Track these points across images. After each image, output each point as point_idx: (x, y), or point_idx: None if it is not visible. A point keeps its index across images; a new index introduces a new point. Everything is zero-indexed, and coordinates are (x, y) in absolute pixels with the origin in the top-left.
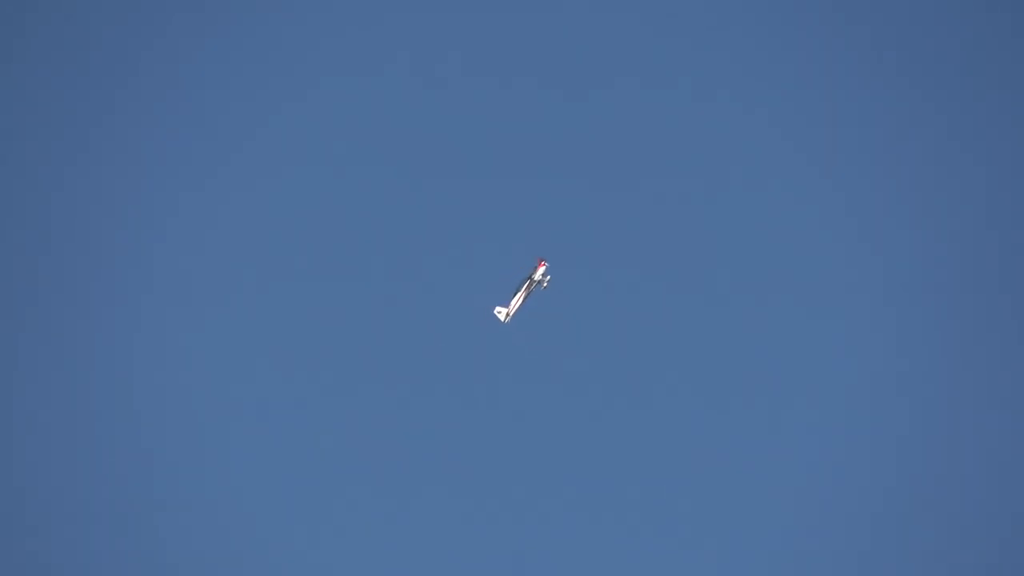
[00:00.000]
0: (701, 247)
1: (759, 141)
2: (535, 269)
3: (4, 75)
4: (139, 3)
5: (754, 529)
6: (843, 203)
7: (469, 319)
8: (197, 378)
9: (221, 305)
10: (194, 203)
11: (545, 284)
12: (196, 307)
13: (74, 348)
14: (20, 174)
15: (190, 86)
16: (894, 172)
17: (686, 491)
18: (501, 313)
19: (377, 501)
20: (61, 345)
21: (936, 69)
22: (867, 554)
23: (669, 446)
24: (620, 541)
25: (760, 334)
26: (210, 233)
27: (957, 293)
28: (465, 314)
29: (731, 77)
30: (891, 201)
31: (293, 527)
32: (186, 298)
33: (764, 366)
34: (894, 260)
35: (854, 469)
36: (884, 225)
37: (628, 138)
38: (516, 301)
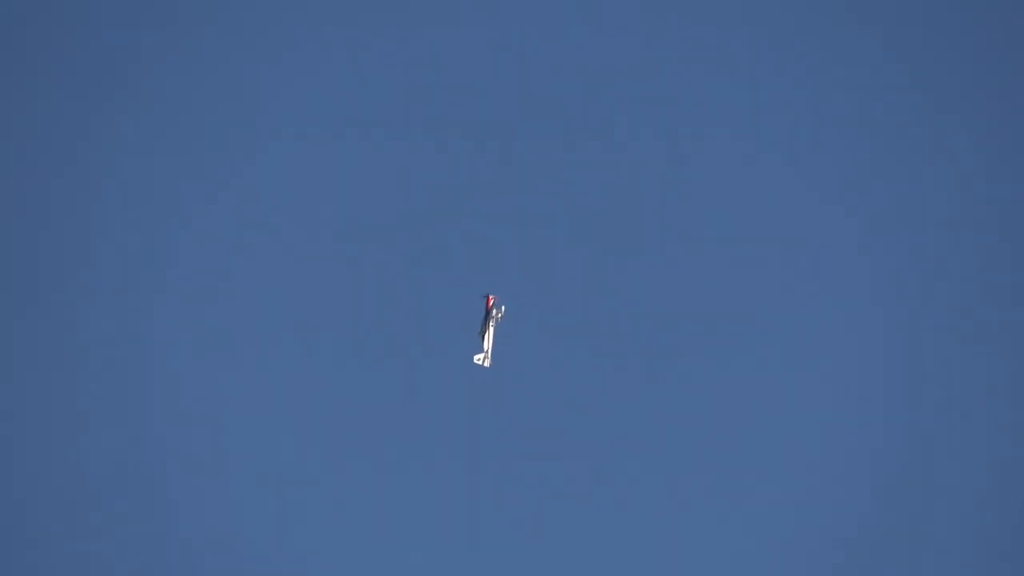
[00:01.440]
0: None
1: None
2: (487, 307)
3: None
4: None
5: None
6: (833, 210)
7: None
8: (199, 377)
9: (223, 302)
10: (198, 203)
11: (501, 316)
12: (198, 305)
13: (82, 347)
14: (29, 176)
15: (194, 89)
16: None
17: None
18: (479, 359)
19: (382, 498)
20: (70, 343)
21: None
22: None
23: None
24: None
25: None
26: (214, 232)
27: (948, 301)
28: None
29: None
30: (882, 208)
31: (298, 526)
32: (186, 296)
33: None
34: (886, 265)
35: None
36: (875, 231)
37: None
38: (487, 343)
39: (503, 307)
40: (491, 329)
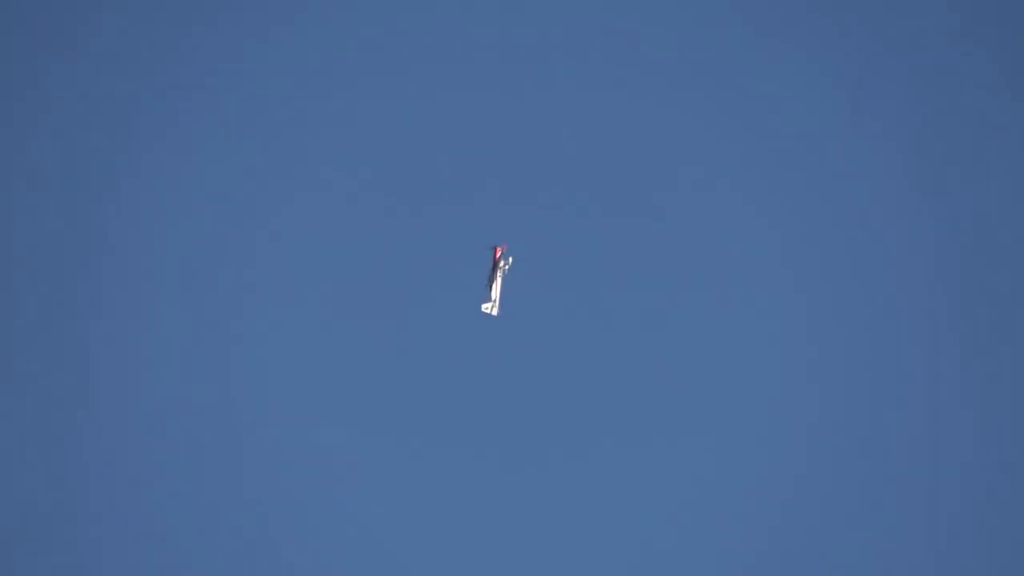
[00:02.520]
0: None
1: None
2: (495, 258)
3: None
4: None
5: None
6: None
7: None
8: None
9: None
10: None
11: (508, 267)
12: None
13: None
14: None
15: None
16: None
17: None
18: (488, 307)
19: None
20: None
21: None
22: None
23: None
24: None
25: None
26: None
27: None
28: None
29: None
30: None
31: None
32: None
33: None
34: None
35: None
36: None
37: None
38: (495, 292)
39: (510, 258)
40: (499, 279)
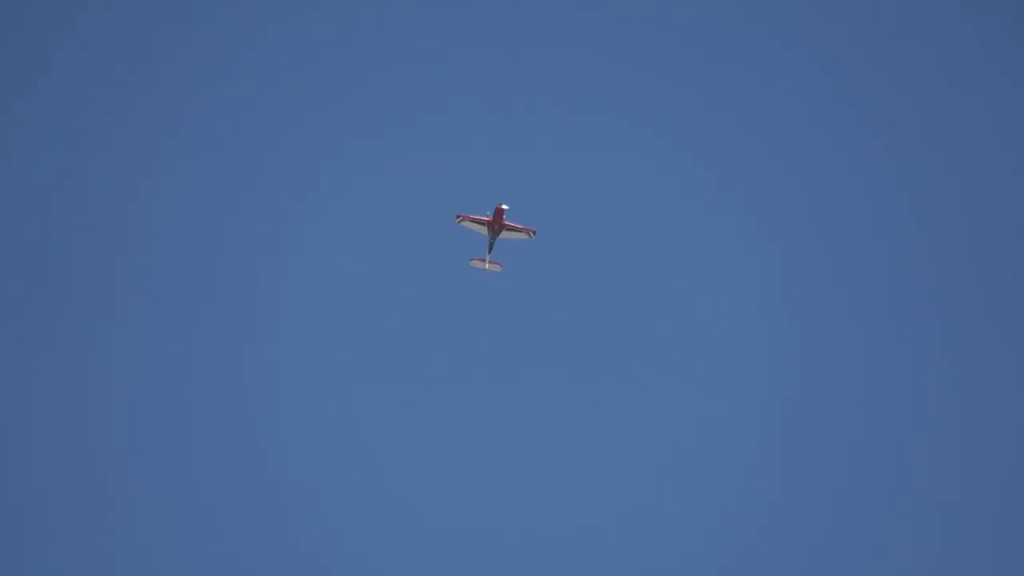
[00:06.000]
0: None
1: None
2: (498, 218)
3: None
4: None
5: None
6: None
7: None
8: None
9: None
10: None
11: (491, 264)
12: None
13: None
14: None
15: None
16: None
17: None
18: (482, 263)
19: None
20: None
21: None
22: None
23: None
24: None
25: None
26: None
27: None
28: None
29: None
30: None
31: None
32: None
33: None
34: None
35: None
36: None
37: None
38: (488, 257)
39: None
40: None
